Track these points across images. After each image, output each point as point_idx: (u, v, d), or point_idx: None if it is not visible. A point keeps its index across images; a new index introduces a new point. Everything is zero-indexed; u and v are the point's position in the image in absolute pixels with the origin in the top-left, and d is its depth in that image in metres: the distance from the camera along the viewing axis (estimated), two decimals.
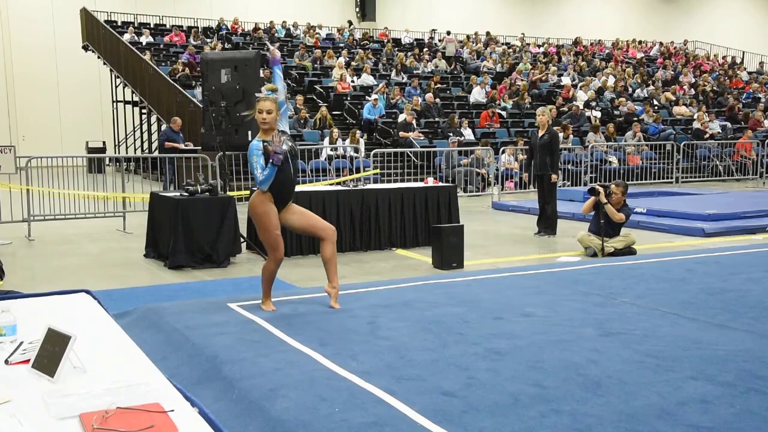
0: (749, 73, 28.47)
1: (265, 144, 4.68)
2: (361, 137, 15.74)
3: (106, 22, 22.71)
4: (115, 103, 22.55)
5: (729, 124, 20.79)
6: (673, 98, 22.39)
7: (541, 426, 3.04)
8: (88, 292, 3.56)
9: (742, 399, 3.35)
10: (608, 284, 5.92)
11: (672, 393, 3.41)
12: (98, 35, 21.84)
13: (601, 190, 7.90)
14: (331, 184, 11.00)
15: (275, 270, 4.97)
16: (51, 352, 2.33)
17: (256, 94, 4.98)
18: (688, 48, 30.85)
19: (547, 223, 9.39)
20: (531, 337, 4.35)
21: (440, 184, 9.40)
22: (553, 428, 3.02)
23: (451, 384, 3.50)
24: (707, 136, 19.38)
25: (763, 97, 24.43)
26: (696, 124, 20.02)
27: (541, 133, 9.39)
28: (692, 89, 24.35)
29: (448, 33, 26.05)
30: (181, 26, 24.20)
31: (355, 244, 8.21)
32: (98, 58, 22.29)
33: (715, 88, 24.96)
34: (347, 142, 15.28)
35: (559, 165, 10.38)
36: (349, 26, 25.41)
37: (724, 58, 30.74)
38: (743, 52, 31.89)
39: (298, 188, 8.76)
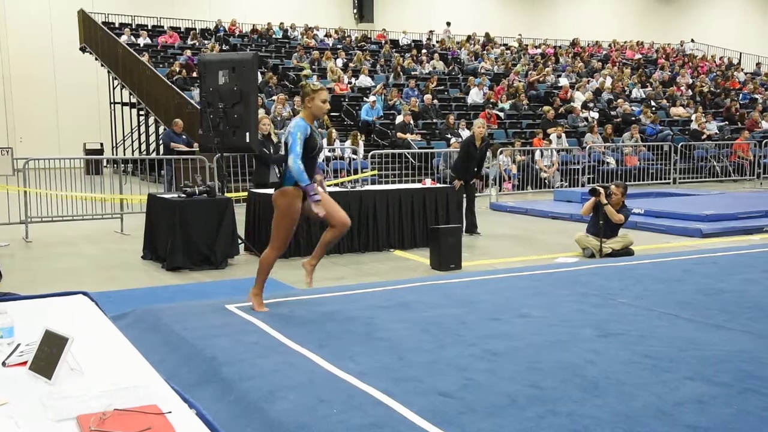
0: (746, 73, 28.51)
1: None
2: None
3: (103, 23, 22.69)
4: (112, 105, 22.53)
5: (726, 125, 20.81)
6: (668, 104, 22.40)
7: (539, 427, 3.04)
8: (85, 293, 3.56)
9: (739, 399, 3.36)
10: (606, 285, 5.92)
11: (669, 393, 3.42)
12: (96, 37, 21.82)
13: (601, 190, 7.91)
14: (329, 185, 10.97)
15: (273, 264, 5.04)
16: (48, 354, 2.32)
17: (313, 82, 5.02)
18: (685, 49, 30.88)
19: (472, 224, 9.79)
20: (529, 338, 4.35)
21: (438, 185, 9.40)
22: (550, 429, 3.02)
23: (449, 385, 3.50)
24: (704, 137, 19.40)
25: (760, 98, 24.46)
26: (693, 125, 20.04)
27: (478, 143, 9.74)
28: (689, 90, 24.37)
29: (448, 24, 26.41)
30: (179, 28, 24.19)
31: (353, 246, 8.20)
32: (96, 59, 22.27)
33: (712, 89, 24.99)
34: (347, 143, 15.28)
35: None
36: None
37: (721, 59, 30.78)
38: (740, 53, 31.94)
39: None
